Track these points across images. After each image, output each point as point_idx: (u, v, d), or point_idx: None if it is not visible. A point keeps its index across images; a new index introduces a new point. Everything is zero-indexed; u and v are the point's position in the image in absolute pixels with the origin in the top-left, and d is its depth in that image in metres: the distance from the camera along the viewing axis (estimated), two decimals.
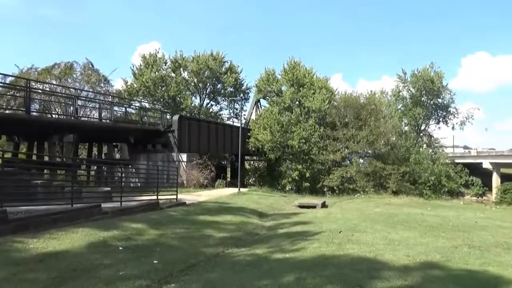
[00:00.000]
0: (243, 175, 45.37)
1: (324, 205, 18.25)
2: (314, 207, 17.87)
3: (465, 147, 68.95)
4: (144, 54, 40.45)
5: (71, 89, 21.61)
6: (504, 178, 42.34)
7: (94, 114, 23.29)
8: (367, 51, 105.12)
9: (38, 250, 6.89)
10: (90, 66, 28.57)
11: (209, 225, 10.66)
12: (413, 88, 39.63)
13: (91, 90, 25.54)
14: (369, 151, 33.81)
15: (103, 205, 11.13)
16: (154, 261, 6.59)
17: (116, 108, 24.60)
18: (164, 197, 14.14)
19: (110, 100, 21.65)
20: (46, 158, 16.75)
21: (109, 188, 14.90)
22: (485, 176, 41.75)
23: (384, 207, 16.46)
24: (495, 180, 42.01)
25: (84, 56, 48.32)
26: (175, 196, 14.67)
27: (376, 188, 31.40)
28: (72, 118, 17.87)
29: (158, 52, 40.90)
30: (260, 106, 45.80)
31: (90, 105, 23.70)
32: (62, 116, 19.84)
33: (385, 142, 33.14)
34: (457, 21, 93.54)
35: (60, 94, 21.74)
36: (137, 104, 28.27)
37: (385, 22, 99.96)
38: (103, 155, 22.06)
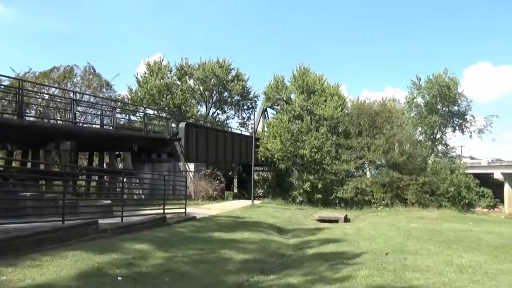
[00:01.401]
0: (251, 187, 43.93)
1: (346, 219, 16.55)
2: (336, 221, 16.18)
3: (471, 158, 66.85)
4: (148, 62, 39.26)
5: (70, 93, 20.06)
6: None
7: (95, 122, 21.83)
8: (369, 62, 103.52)
9: (12, 283, 5.27)
10: (92, 70, 27.18)
11: (226, 244, 9.00)
12: (428, 95, 37.96)
13: (92, 95, 23.98)
14: (384, 161, 31.99)
15: (101, 221, 9.52)
16: None
17: (119, 115, 23.14)
18: (171, 210, 12.49)
19: (112, 105, 20.09)
20: (42, 167, 15.20)
21: (109, 201, 13.32)
22: (496, 187, 40.29)
23: (419, 221, 14.72)
24: (508, 191, 40.33)
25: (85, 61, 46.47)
26: (183, 210, 13.03)
27: (393, 200, 29.62)
28: (70, 123, 16.37)
29: (163, 60, 39.73)
30: (267, 116, 44.30)
31: (91, 111, 22.21)
32: (59, 122, 18.20)
33: (401, 151, 31.35)
34: (457, 33, 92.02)
35: (57, 97, 20.12)
36: (141, 111, 26.68)
37: (387, 35, 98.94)
38: (104, 165, 20.47)
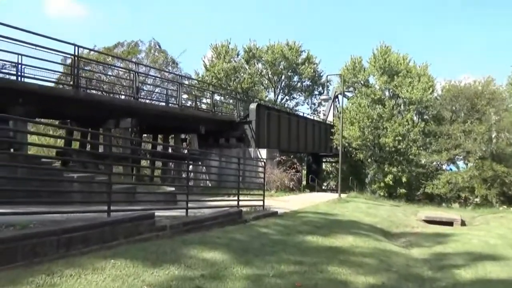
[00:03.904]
0: (322, 178, 40.72)
1: (463, 222, 12.92)
2: (450, 223, 12.64)
3: None
4: (215, 45, 37.45)
5: (133, 66, 18.37)
6: None
7: (160, 101, 20.06)
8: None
9: None
10: (157, 46, 25.74)
11: (330, 255, 6.19)
12: None
13: (155, 67, 22.21)
14: (486, 151, 27.00)
15: (161, 213, 7.23)
16: None
17: (185, 96, 21.21)
18: (246, 203, 9.93)
19: (178, 81, 18.11)
20: (101, 149, 13.53)
21: (173, 188, 11.14)
22: None
23: None
24: None
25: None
26: (260, 203, 10.41)
27: (497, 197, 24.87)
28: (132, 99, 14.57)
29: (230, 43, 37.72)
30: (339, 102, 40.61)
31: (156, 90, 20.56)
32: (120, 96, 16.47)
33: (508, 140, 26.23)
34: None
35: (116, 68, 18.54)
36: (209, 91, 24.65)
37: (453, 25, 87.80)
38: (169, 150, 18.67)
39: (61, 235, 4.80)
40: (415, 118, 29.20)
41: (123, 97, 15.81)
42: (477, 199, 26.32)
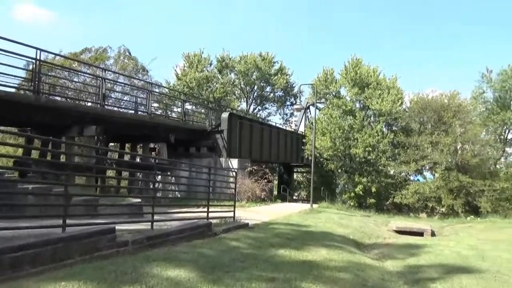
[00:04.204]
0: (293, 189, 40.68)
1: (433, 232, 12.99)
2: (420, 234, 12.68)
3: None
4: (188, 53, 37.01)
5: (101, 73, 17.55)
6: None
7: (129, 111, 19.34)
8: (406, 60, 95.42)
9: None
10: (127, 53, 24.95)
11: (303, 270, 5.90)
12: (501, 89, 33.08)
13: (123, 74, 21.32)
14: (451, 162, 27.76)
15: (124, 227, 6.77)
16: None
17: (155, 104, 20.60)
18: (215, 214, 9.53)
19: (147, 88, 17.49)
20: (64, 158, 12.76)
21: (139, 200, 10.59)
22: None
23: None
24: None
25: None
26: (231, 214, 10.04)
27: (463, 207, 25.50)
28: (98, 106, 13.88)
29: (203, 52, 37.37)
30: (310, 112, 40.99)
31: (125, 98, 19.81)
32: (86, 103, 15.61)
33: (473, 151, 27.06)
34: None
35: (82, 73, 17.71)
36: (180, 99, 24.02)
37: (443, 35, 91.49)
38: (138, 159, 17.97)
39: (6, 254, 4.27)
40: (384, 129, 29.70)
41: (90, 104, 15.05)
42: (443, 209, 26.95)
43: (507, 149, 36.32)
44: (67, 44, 71.46)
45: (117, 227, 6.67)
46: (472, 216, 22.08)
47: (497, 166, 31.16)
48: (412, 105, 30.74)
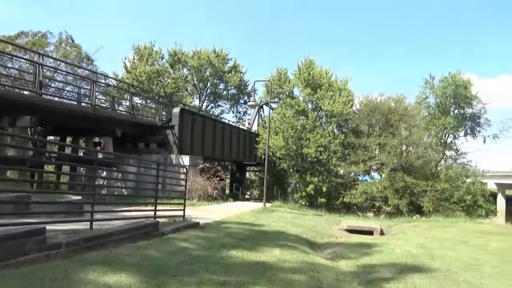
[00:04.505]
0: (246, 187, 40.45)
1: (381, 231, 13.23)
2: (370, 233, 12.86)
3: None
4: (138, 46, 35.47)
5: (37, 57, 15.99)
6: (510, 200, 40.05)
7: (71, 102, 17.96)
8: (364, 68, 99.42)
9: None
10: (70, 40, 23.18)
11: (256, 272, 5.56)
12: (442, 95, 35.03)
13: (63, 61, 19.66)
14: (397, 164, 28.91)
15: (59, 226, 6.05)
16: None
17: (101, 96, 19.37)
18: (163, 212, 8.94)
19: (91, 78, 16.22)
20: None
21: (79, 197, 9.72)
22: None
23: (492, 237, 11.53)
24: (500, 202, 39.30)
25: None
26: (181, 213, 9.48)
27: (408, 207, 26.64)
28: (34, 94, 12.63)
29: (153, 45, 36.00)
30: (263, 111, 41.01)
31: (68, 88, 18.37)
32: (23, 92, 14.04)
33: (417, 153, 28.34)
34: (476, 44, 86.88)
35: (16, 58, 16.05)
36: (127, 91, 22.73)
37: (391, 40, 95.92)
38: (79, 153, 16.72)
39: None
40: (335, 130, 30.28)
41: (26, 93, 13.69)
42: (389, 208, 27.98)
43: (447, 152, 38.68)
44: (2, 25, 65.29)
45: (52, 227, 5.97)
46: (418, 216, 22.99)
47: (438, 168, 32.98)
48: (362, 107, 31.67)
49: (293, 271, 5.98)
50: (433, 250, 8.75)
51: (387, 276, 6.37)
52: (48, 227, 5.51)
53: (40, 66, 12.96)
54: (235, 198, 26.00)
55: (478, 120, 37.62)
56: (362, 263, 7.48)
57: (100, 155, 15.61)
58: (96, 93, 16.46)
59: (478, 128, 38.11)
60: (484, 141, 37.79)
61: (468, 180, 31.20)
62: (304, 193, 28.78)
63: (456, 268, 6.90)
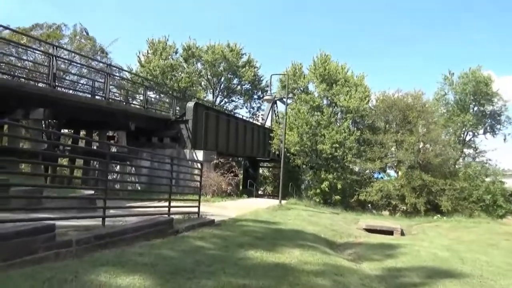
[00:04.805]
0: (259, 183, 40.15)
1: (402, 231, 12.75)
2: (390, 232, 12.38)
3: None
4: (152, 40, 35.33)
5: (52, 48, 15.84)
6: None
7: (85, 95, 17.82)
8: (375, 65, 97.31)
9: None
10: (84, 32, 23.10)
11: (277, 274, 5.21)
12: (462, 91, 34.03)
13: (78, 53, 19.55)
14: (415, 161, 28.18)
15: (71, 222, 5.78)
16: None
17: (115, 90, 19.21)
18: (177, 209, 8.64)
19: (106, 71, 16.05)
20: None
21: (92, 192, 9.47)
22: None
23: None
24: None
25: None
26: (195, 209, 9.18)
27: (425, 206, 25.97)
28: (48, 86, 12.49)
29: (167, 40, 35.83)
30: (277, 107, 40.58)
31: (82, 81, 18.27)
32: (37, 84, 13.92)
33: (435, 151, 27.57)
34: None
35: (31, 50, 15.93)
36: (142, 84, 22.49)
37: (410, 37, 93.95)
38: (93, 146, 16.58)
39: None
40: (351, 126, 29.70)
41: (40, 85, 13.55)
42: (405, 207, 27.33)
43: (465, 150, 37.68)
44: (14, 19, 65.64)
45: (63, 223, 5.72)
46: (438, 216, 22.35)
47: (456, 166, 32.11)
48: (378, 103, 30.97)
49: (315, 274, 5.61)
50: (460, 253, 8.28)
51: (416, 281, 5.96)
52: (59, 223, 5.26)
53: (54, 58, 12.81)
54: (249, 194, 25.72)
55: (498, 118, 36.49)
56: (387, 266, 7.06)
57: (113, 149, 15.43)
58: (110, 87, 16.25)
59: (498, 126, 36.99)
60: (505, 140, 36.64)
61: (487, 179, 30.28)
62: (318, 190, 28.33)
63: (489, 273, 6.43)
